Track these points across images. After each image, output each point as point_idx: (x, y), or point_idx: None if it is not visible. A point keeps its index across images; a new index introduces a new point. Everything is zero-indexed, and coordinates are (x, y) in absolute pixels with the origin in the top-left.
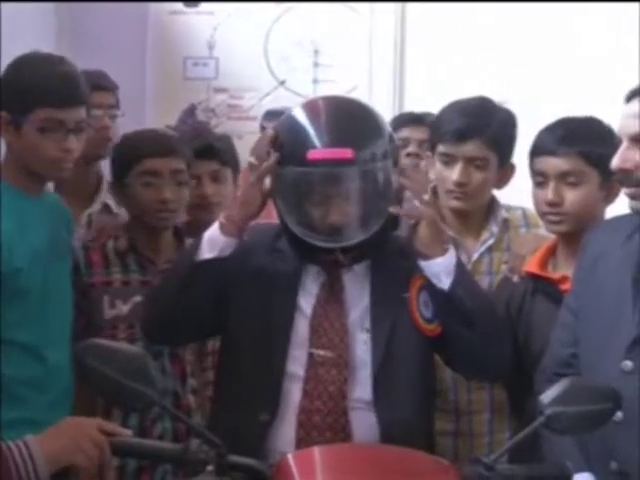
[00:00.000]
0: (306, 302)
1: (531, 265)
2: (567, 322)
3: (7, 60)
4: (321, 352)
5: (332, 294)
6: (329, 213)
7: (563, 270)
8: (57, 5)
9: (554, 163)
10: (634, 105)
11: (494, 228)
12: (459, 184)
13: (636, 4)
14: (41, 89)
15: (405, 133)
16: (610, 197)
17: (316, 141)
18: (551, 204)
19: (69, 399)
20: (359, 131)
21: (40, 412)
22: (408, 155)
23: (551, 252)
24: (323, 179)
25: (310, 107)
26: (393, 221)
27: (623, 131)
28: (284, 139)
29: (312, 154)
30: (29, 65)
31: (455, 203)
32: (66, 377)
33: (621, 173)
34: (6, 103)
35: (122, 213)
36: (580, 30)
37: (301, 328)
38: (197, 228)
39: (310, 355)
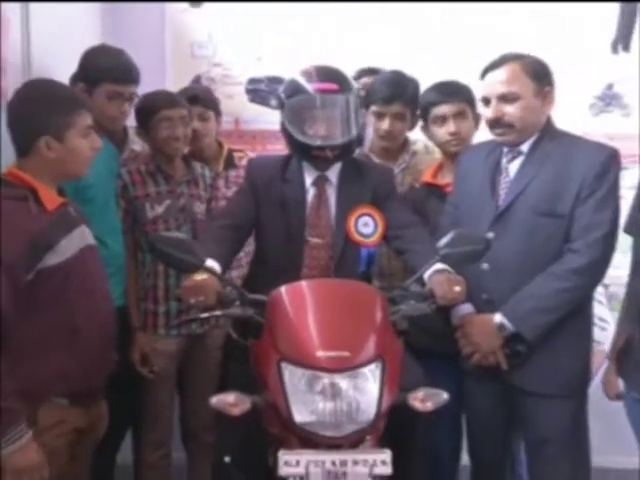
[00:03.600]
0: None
1: (426, 176)
2: (449, 212)
3: (60, 52)
4: (314, 239)
5: (321, 202)
6: (323, 124)
7: (447, 179)
8: (102, 5)
9: (449, 108)
10: (497, 75)
11: (406, 157)
12: (387, 132)
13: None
14: (109, 71)
15: (364, 80)
16: (476, 126)
17: (316, 79)
18: (452, 134)
19: (122, 273)
20: (340, 77)
21: None
22: None
23: (440, 167)
24: (320, 101)
25: (306, 68)
26: (359, 140)
27: (492, 93)
28: (290, 85)
29: (315, 86)
30: (100, 53)
31: (385, 144)
32: (120, 257)
33: (495, 121)
34: (82, 77)
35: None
36: (581, 29)
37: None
38: (193, 155)
39: (307, 242)
